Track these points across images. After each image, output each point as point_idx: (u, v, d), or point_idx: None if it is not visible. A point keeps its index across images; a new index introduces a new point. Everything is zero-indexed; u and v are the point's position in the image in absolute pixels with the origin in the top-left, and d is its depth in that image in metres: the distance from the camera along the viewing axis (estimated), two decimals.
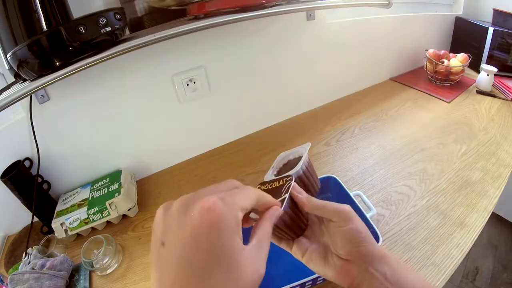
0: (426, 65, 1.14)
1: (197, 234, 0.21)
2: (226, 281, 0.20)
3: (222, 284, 0.20)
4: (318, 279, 0.50)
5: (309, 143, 0.44)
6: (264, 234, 0.26)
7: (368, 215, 0.55)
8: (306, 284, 0.48)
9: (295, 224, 0.35)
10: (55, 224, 0.66)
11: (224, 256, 0.21)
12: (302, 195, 0.34)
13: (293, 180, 0.34)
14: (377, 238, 0.50)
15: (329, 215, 0.33)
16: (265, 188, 0.36)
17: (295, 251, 0.35)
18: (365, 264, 0.30)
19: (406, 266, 0.33)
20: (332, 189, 0.65)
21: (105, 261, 0.60)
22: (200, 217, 0.21)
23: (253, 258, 0.23)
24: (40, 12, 0.46)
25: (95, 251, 0.62)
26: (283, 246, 0.37)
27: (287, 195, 0.32)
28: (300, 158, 0.42)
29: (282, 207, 0.31)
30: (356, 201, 0.58)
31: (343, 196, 0.61)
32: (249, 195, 0.25)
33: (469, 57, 1.07)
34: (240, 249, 0.22)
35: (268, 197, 0.29)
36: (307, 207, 0.33)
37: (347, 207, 0.33)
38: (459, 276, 1.32)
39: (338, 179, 0.63)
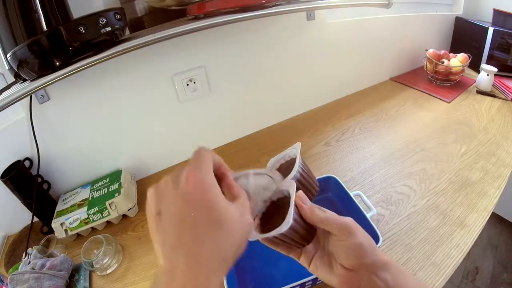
0: (426, 65, 1.14)
1: (187, 197, 0.24)
2: (221, 237, 0.24)
3: (219, 239, 0.23)
4: (318, 280, 0.50)
5: (299, 142, 0.42)
6: (240, 189, 0.30)
7: (368, 215, 0.55)
8: (306, 284, 0.48)
9: (306, 232, 0.34)
10: (55, 224, 0.66)
11: (214, 212, 0.24)
12: (306, 206, 0.34)
13: (295, 187, 0.33)
14: (377, 238, 0.50)
15: (331, 228, 0.32)
16: None
17: (303, 261, 0.36)
18: (368, 273, 0.31)
19: (405, 271, 0.34)
20: (332, 189, 0.65)
21: (105, 261, 0.60)
22: (186, 184, 0.25)
23: (240, 211, 0.26)
24: (40, 12, 0.45)
25: (95, 251, 0.62)
26: (292, 255, 0.36)
27: (292, 204, 0.32)
28: (291, 160, 0.40)
29: (291, 216, 0.30)
30: (356, 201, 0.58)
31: (343, 196, 0.61)
32: (209, 158, 0.28)
33: (469, 57, 1.07)
34: (226, 205, 0.25)
35: (217, 157, 0.30)
36: (309, 219, 0.33)
37: (349, 221, 0.32)
38: (459, 276, 1.32)
39: (338, 179, 0.63)
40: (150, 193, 0.27)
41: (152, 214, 0.26)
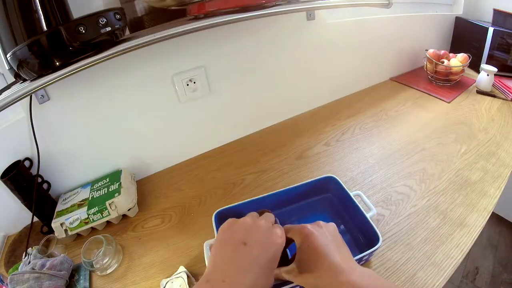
0: (426, 65, 1.14)
1: (270, 246, 0.38)
2: (271, 272, 0.38)
3: (270, 273, 0.37)
4: None
5: None
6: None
7: (368, 215, 0.55)
8: None
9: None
10: (55, 224, 0.65)
11: (274, 263, 0.38)
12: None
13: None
14: (377, 238, 0.50)
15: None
16: None
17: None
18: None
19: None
20: (332, 189, 0.65)
21: (105, 261, 0.60)
22: (276, 238, 0.39)
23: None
24: (40, 12, 0.45)
25: (95, 251, 0.62)
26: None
27: None
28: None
29: None
30: (356, 201, 0.58)
31: (343, 196, 0.61)
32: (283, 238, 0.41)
33: (469, 57, 1.07)
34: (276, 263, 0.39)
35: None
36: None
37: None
38: (459, 276, 1.32)
39: (338, 179, 0.63)
40: (240, 224, 0.40)
41: (235, 239, 0.37)
